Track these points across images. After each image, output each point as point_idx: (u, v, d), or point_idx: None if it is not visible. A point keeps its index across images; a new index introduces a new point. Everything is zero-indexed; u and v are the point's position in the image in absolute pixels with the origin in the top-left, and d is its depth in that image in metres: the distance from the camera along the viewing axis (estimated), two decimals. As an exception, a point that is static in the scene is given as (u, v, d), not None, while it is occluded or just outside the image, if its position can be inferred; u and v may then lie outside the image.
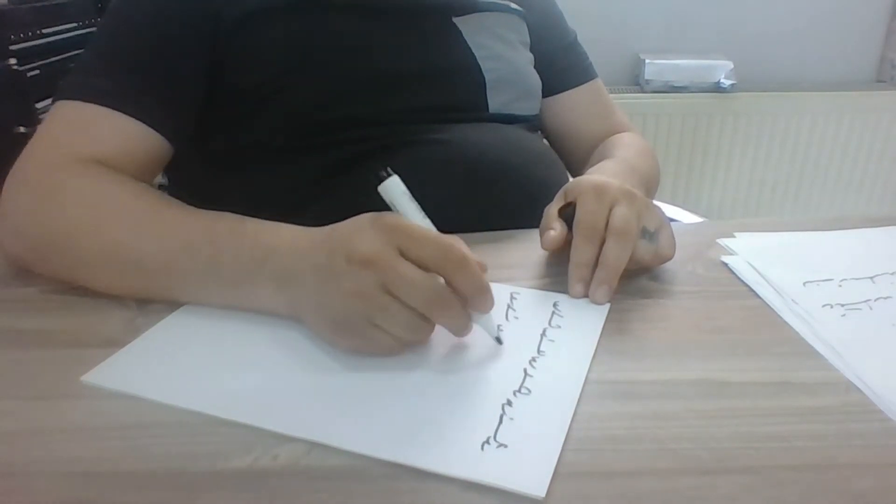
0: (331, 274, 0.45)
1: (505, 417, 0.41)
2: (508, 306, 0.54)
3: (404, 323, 0.44)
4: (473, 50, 0.76)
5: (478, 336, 0.49)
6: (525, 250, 0.63)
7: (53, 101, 0.63)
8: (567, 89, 0.89)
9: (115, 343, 0.48)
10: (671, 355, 0.48)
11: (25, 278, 0.57)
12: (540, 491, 0.35)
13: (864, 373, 0.45)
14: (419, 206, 0.47)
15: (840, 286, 0.57)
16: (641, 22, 1.95)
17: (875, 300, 0.54)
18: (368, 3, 0.72)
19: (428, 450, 0.38)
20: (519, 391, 0.43)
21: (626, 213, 0.55)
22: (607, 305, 0.54)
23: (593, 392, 0.43)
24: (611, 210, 0.55)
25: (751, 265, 0.60)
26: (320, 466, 0.37)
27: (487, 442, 0.38)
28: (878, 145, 1.98)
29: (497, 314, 0.52)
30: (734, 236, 0.66)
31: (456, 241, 0.47)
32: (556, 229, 0.58)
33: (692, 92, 1.90)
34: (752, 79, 1.95)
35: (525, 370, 0.45)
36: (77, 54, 0.97)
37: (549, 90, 0.87)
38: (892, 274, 0.58)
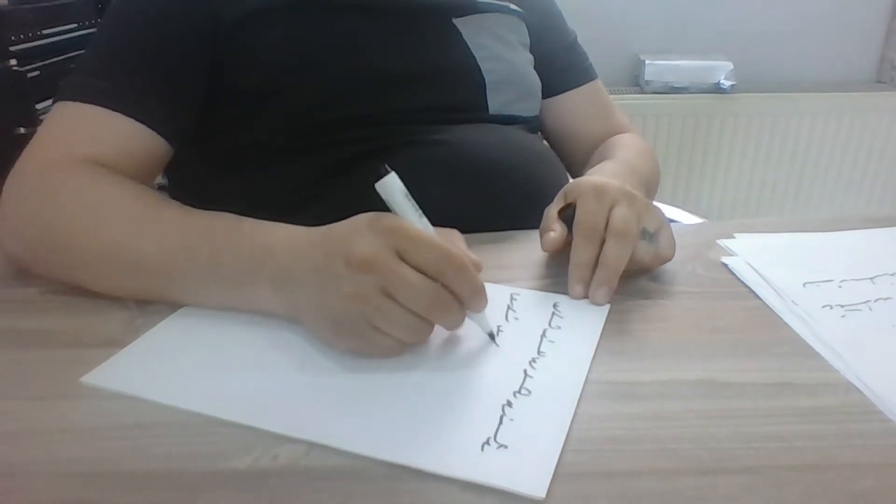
0: (329, 276, 0.45)
1: (505, 418, 0.41)
2: (508, 307, 0.54)
3: (404, 325, 0.44)
4: (473, 51, 0.76)
5: (477, 337, 0.49)
6: (525, 251, 0.63)
7: (53, 102, 0.63)
8: (567, 90, 0.89)
9: (115, 343, 0.48)
10: (671, 355, 0.48)
11: (25, 278, 0.57)
12: (540, 491, 0.35)
13: (864, 373, 0.45)
14: (416, 205, 0.46)
15: (840, 287, 0.57)
16: (641, 22, 1.95)
17: (875, 301, 0.54)
18: (368, 3, 0.72)
19: (428, 450, 0.38)
20: (519, 392, 0.43)
21: (626, 214, 0.55)
22: (607, 306, 0.54)
23: (593, 392, 0.43)
24: (611, 211, 0.55)
25: (751, 266, 0.60)
26: (320, 466, 0.37)
27: (487, 442, 0.38)
28: (878, 145, 1.98)
29: (497, 315, 0.52)
30: (734, 237, 0.66)
31: (452, 236, 0.47)
32: (556, 231, 0.58)
33: (692, 93, 1.90)
34: (752, 79, 1.95)
35: (525, 371, 0.45)
36: (77, 55, 0.97)
37: (548, 91, 0.87)
38: (892, 275, 0.59)
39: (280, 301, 0.49)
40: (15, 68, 1.38)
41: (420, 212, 0.46)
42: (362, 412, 0.41)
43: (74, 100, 0.62)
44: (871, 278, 0.58)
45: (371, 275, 0.43)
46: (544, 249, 0.59)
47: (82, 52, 0.66)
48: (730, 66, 1.87)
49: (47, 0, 1.55)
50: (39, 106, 1.41)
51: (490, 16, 0.80)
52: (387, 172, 0.45)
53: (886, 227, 0.69)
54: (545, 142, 0.90)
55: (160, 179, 0.75)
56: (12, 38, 1.39)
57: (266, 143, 0.70)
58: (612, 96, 0.94)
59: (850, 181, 2.03)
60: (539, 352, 0.48)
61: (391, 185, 0.45)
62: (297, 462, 0.38)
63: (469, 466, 0.37)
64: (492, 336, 0.49)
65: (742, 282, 0.58)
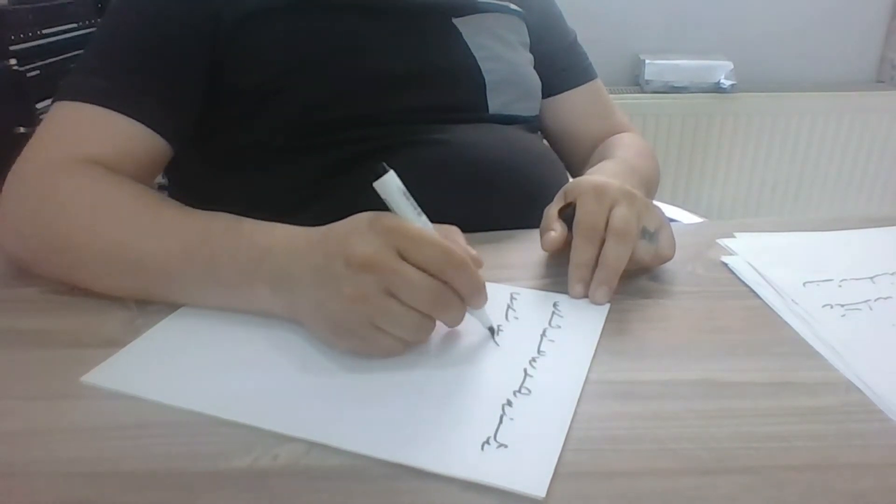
0: (329, 277, 0.45)
1: (505, 417, 0.41)
2: (508, 306, 0.54)
3: (407, 323, 0.44)
4: (473, 51, 0.76)
5: (477, 337, 0.49)
6: (525, 250, 0.63)
7: (53, 102, 0.63)
8: (567, 90, 0.89)
9: (114, 343, 0.48)
10: (671, 355, 0.48)
11: (25, 278, 0.57)
12: (540, 491, 0.35)
13: (864, 373, 0.45)
14: (415, 203, 0.46)
15: (840, 286, 0.57)
16: (641, 22, 1.95)
17: (875, 300, 0.54)
18: (368, 3, 0.72)
19: (428, 450, 0.38)
20: (519, 391, 0.43)
21: (626, 214, 0.55)
22: (607, 306, 0.54)
23: (593, 392, 0.43)
24: (611, 210, 0.55)
25: (751, 265, 0.60)
26: (320, 466, 0.37)
27: (487, 442, 0.38)
28: (878, 145, 1.98)
29: (497, 314, 0.52)
30: (734, 236, 0.66)
31: (451, 232, 0.47)
32: (556, 230, 0.58)
33: (692, 92, 1.90)
34: (752, 79, 1.95)
35: (525, 370, 0.45)
36: (77, 55, 0.97)
37: (548, 91, 0.87)
38: (892, 274, 0.59)
39: (279, 301, 0.49)
40: (15, 68, 1.38)
41: (419, 210, 0.46)
42: (362, 412, 0.41)
43: (74, 99, 0.62)
44: (871, 278, 0.58)
45: (372, 274, 0.43)
46: (544, 249, 0.59)
47: (82, 51, 0.66)
48: (730, 65, 1.87)
49: (47, 0, 1.55)
50: (39, 106, 1.42)
51: (490, 16, 0.80)
52: (385, 171, 0.45)
53: (886, 226, 0.69)
54: (545, 142, 0.90)
55: (160, 179, 0.75)
56: (12, 37, 1.39)
57: (266, 143, 0.70)
58: (612, 96, 0.94)
59: (850, 181, 2.03)
60: (539, 351, 0.48)
61: (389, 184, 0.45)
62: (297, 462, 0.38)
63: (469, 466, 0.37)
64: (492, 331, 0.49)
65: (742, 281, 0.58)
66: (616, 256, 0.54)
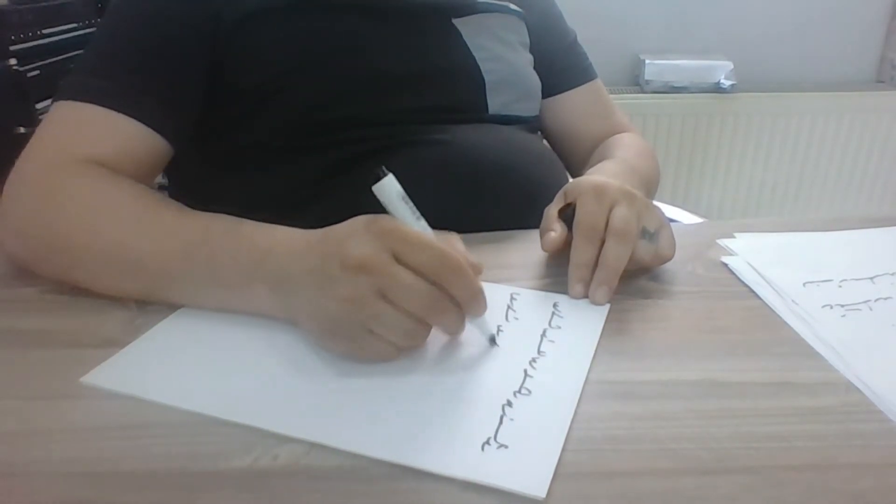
0: (325, 279, 0.45)
1: (505, 418, 0.41)
2: (508, 307, 0.54)
3: (399, 328, 0.44)
4: (473, 51, 0.76)
5: (477, 337, 0.49)
6: (525, 251, 0.63)
7: (53, 102, 0.63)
8: (567, 90, 0.89)
9: (114, 343, 0.48)
10: (671, 355, 0.48)
11: (25, 278, 0.57)
12: (540, 491, 0.35)
13: (864, 373, 0.45)
14: (414, 207, 0.46)
15: (840, 287, 0.57)
16: (641, 22, 1.95)
17: (875, 301, 0.54)
18: (368, 3, 0.72)
19: (428, 450, 0.38)
20: (519, 392, 0.43)
21: (626, 214, 0.55)
22: (607, 306, 0.54)
23: (593, 392, 0.43)
24: (611, 211, 0.55)
25: (751, 265, 0.60)
26: (320, 466, 0.37)
27: (488, 442, 0.38)
28: (878, 145, 1.98)
29: (497, 315, 0.52)
30: (734, 237, 0.66)
31: (451, 239, 0.47)
32: (556, 231, 0.58)
33: (692, 92, 1.90)
34: (752, 79, 1.95)
35: (525, 371, 0.45)
36: (77, 54, 0.97)
37: (548, 91, 0.87)
38: (892, 274, 0.59)
39: (277, 303, 0.49)
40: (15, 68, 1.38)
41: (418, 214, 0.46)
42: (363, 412, 0.41)
43: (74, 99, 0.62)
44: (871, 278, 0.58)
45: (367, 277, 0.43)
46: (544, 249, 0.59)
47: (82, 51, 0.66)
48: (730, 65, 1.87)
49: (47, 0, 1.55)
50: (39, 106, 1.42)
51: (490, 16, 0.80)
52: (384, 174, 0.45)
53: (886, 227, 0.69)
54: (545, 142, 0.90)
55: (160, 179, 0.75)
56: (12, 37, 1.39)
57: (266, 143, 0.70)
58: (612, 96, 0.94)
59: (850, 181, 2.03)
60: (539, 351, 0.48)
61: (388, 188, 0.45)
62: (297, 462, 0.38)
63: (469, 466, 0.37)
64: (493, 340, 0.48)
65: (742, 281, 0.58)
66: (616, 256, 0.54)
